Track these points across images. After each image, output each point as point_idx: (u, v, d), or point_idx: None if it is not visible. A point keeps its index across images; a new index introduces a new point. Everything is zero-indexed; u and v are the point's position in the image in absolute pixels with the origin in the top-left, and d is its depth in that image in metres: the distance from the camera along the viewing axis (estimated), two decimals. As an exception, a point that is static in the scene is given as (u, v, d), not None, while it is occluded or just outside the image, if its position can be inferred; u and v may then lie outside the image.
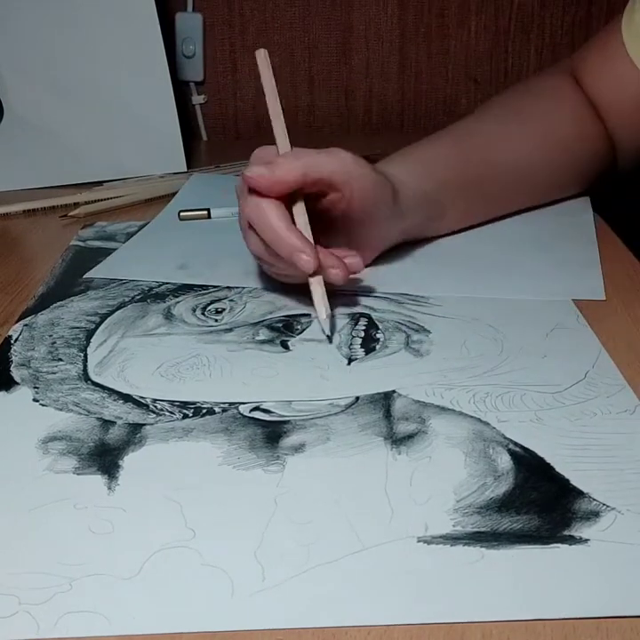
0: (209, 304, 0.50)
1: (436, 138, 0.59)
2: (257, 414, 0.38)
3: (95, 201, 0.73)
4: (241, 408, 0.38)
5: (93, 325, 0.47)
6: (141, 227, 0.66)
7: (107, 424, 0.37)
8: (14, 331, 0.47)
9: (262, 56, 0.48)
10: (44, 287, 0.54)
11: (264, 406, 0.38)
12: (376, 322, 0.47)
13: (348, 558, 0.28)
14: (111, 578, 0.28)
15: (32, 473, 0.34)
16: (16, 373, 0.42)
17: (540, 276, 0.52)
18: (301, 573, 0.28)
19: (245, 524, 0.30)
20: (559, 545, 0.29)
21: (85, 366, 0.43)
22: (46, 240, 0.66)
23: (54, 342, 0.46)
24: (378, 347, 0.44)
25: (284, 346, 0.44)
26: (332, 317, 0.46)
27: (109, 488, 0.32)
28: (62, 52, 0.78)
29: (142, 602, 0.27)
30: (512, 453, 0.34)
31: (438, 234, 0.59)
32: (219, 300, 0.50)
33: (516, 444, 0.35)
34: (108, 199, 0.73)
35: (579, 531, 0.29)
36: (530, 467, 0.33)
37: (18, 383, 0.41)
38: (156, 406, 0.39)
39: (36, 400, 0.39)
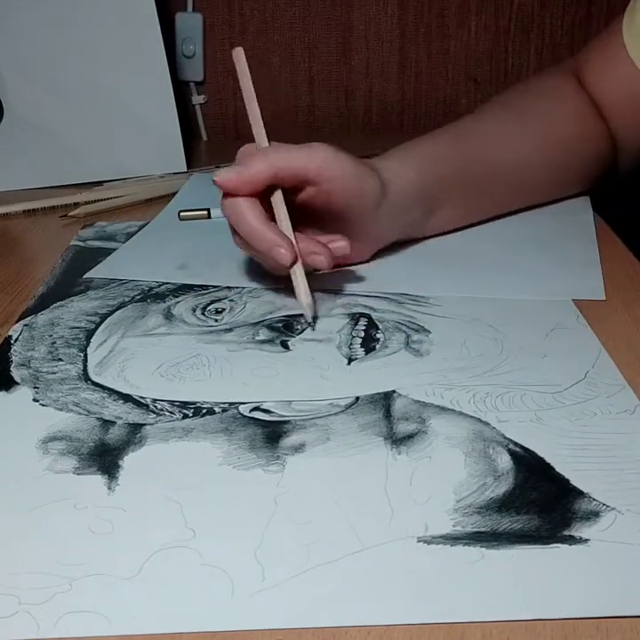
0: (209, 304, 0.50)
1: (436, 135, 0.59)
2: (257, 414, 0.38)
3: (95, 201, 0.73)
4: (241, 408, 0.38)
5: (93, 325, 0.47)
6: (141, 227, 0.66)
7: (107, 424, 0.37)
8: (14, 331, 0.47)
9: (239, 54, 0.50)
10: (43, 287, 0.54)
11: (264, 406, 0.38)
12: (376, 322, 0.47)
13: (348, 558, 0.28)
14: (111, 578, 0.28)
15: (32, 473, 0.34)
16: (16, 373, 0.42)
17: (540, 275, 0.52)
18: (301, 573, 0.28)
19: (245, 523, 0.30)
20: (559, 545, 0.29)
21: (85, 366, 0.43)
22: (46, 240, 0.66)
23: (54, 342, 0.46)
24: (378, 346, 0.44)
25: (284, 346, 0.44)
26: (315, 304, 0.47)
27: (109, 488, 0.32)
28: (62, 52, 0.78)
29: (142, 602, 0.27)
30: (512, 453, 0.34)
31: (436, 231, 0.59)
32: (219, 300, 0.50)
33: (516, 443, 0.35)
34: (107, 199, 0.73)
35: (579, 531, 0.29)
36: (530, 467, 0.33)
37: (18, 383, 0.41)
38: (155, 406, 0.39)
39: (36, 400, 0.39)
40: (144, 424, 0.37)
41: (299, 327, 0.46)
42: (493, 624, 0.26)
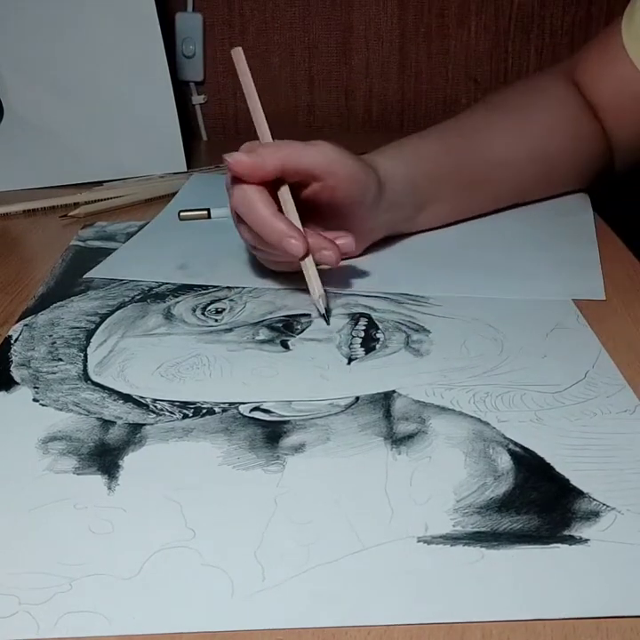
0: (209, 304, 0.50)
1: (427, 133, 0.60)
2: (257, 414, 0.38)
3: (95, 201, 0.73)
4: (241, 408, 0.38)
5: (93, 325, 0.47)
6: (141, 227, 0.66)
7: (107, 424, 0.37)
8: (14, 331, 0.47)
9: (238, 54, 0.50)
10: (44, 287, 0.54)
11: (264, 406, 0.38)
12: (376, 322, 0.47)
13: (348, 558, 0.28)
14: (111, 578, 0.28)
15: (32, 473, 0.34)
16: (16, 373, 0.42)
17: (540, 275, 0.52)
18: (301, 573, 0.28)
19: (245, 523, 0.30)
20: (559, 545, 0.29)
21: (85, 366, 0.43)
22: (46, 240, 0.66)
23: (54, 342, 0.46)
24: (378, 346, 0.44)
25: (284, 346, 0.44)
26: (327, 297, 0.47)
27: (109, 488, 0.32)
28: (62, 52, 0.78)
29: (142, 602, 0.27)
30: (512, 453, 0.34)
31: (426, 227, 0.60)
32: (219, 300, 0.50)
33: (516, 443, 0.35)
34: (108, 199, 0.73)
35: (579, 531, 0.29)
36: (530, 467, 0.33)
37: (18, 383, 0.41)
38: (155, 406, 0.39)
39: (36, 400, 0.39)
40: (144, 424, 0.37)
41: (299, 327, 0.46)
42: (493, 624, 0.26)
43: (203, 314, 0.48)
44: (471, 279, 0.52)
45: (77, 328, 0.47)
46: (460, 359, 0.42)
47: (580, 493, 0.31)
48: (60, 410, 0.38)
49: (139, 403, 0.39)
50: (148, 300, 0.51)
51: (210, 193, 0.73)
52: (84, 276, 0.55)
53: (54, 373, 0.42)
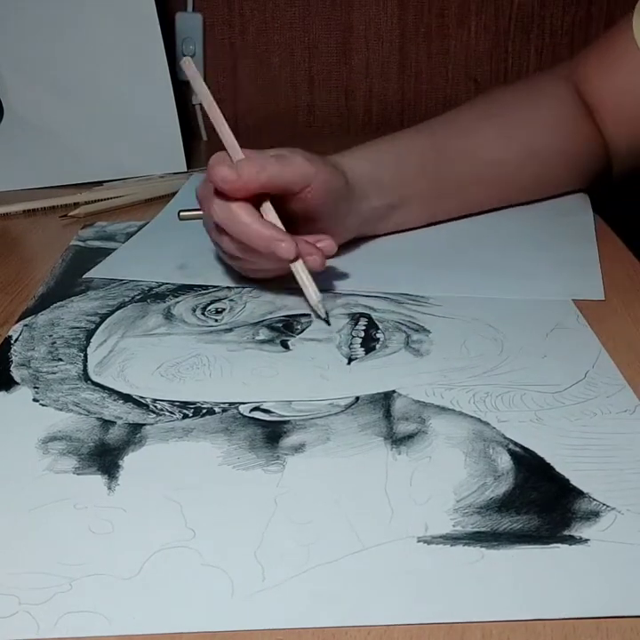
0: (209, 304, 0.50)
1: (409, 131, 0.60)
2: (257, 414, 0.38)
3: (95, 201, 0.73)
4: (241, 408, 0.38)
5: (93, 325, 0.47)
6: (141, 227, 0.66)
7: (107, 424, 0.37)
8: (14, 331, 0.47)
9: (187, 64, 0.50)
10: (44, 287, 0.54)
11: (264, 406, 0.38)
12: (376, 322, 0.47)
13: (348, 558, 0.28)
14: (111, 578, 0.28)
15: (32, 473, 0.34)
16: (16, 373, 0.42)
17: (540, 276, 0.52)
18: (301, 573, 0.28)
19: (245, 523, 0.30)
20: (559, 545, 0.29)
21: (85, 366, 0.43)
22: (46, 240, 0.66)
23: (54, 342, 0.46)
24: (378, 346, 0.44)
25: (284, 346, 0.44)
26: (323, 299, 0.47)
27: (109, 488, 0.32)
28: (62, 52, 0.78)
29: (142, 602, 0.27)
30: (512, 453, 0.34)
31: (403, 227, 0.60)
32: (219, 300, 0.50)
33: (516, 443, 0.35)
34: (108, 199, 0.73)
35: (579, 531, 0.29)
36: (530, 467, 0.33)
37: (18, 383, 0.41)
38: (155, 406, 0.39)
39: (36, 400, 0.39)
40: (144, 424, 0.37)
41: (299, 327, 0.46)
42: (493, 624, 0.26)
43: (203, 314, 0.48)
44: (471, 279, 0.52)
45: (77, 328, 0.47)
46: (460, 359, 0.42)
47: (579, 493, 0.31)
48: (60, 410, 0.38)
49: (139, 403, 0.39)
50: (148, 300, 0.51)
51: (210, 193, 0.73)
52: (84, 276, 0.55)
53: (54, 373, 0.42)
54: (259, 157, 0.48)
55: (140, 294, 0.52)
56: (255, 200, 0.47)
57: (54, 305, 0.51)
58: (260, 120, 1.03)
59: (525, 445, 0.35)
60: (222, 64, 1.02)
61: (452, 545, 0.29)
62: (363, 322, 0.47)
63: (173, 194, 0.74)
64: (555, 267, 0.54)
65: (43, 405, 0.39)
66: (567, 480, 0.32)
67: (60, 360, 0.43)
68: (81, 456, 0.35)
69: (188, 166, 0.84)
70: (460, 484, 0.32)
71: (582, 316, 0.46)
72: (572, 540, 0.29)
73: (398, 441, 0.35)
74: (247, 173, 0.46)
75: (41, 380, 0.41)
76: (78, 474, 0.33)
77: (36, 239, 0.67)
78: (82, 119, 0.80)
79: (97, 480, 0.33)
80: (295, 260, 0.46)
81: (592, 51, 0.66)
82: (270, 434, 0.36)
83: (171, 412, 0.38)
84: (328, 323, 0.46)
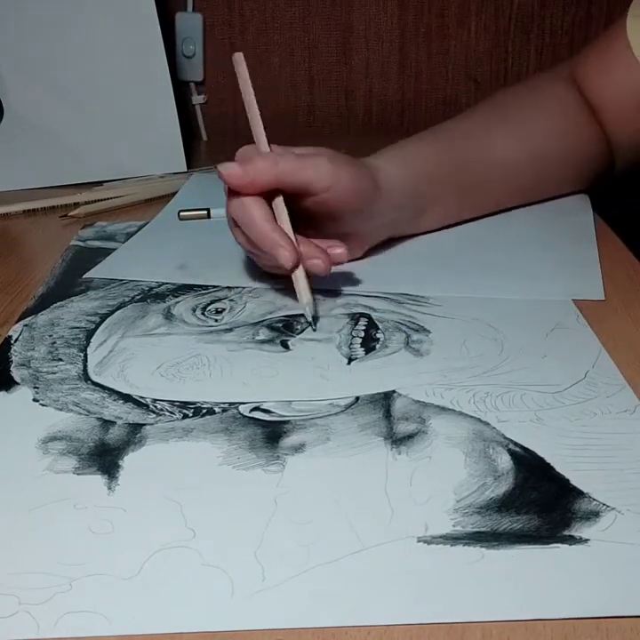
0: (209, 304, 0.50)
1: (428, 134, 0.60)
2: (257, 414, 0.38)
3: (95, 201, 0.73)
4: (241, 408, 0.38)
5: (93, 325, 0.47)
6: (141, 227, 0.66)
7: (107, 424, 0.37)
8: (14, 331, 0.47)
9: (238, 59, 0.50)
10: (44, 287, 0.54)
11: (264, 406, 0.38)
12: (376, 322, 0.47)
13: (348, 558, 0.28)
14: (111, 578, 0.28)
15: (32, 473, 0.34)
16: (16, 373, 0.42)
17: (540, 276, 0.52)
18: (301, 573, 0.28)
19: (245, 523, 0.30)
20: (559, 545, 0.29)
21: (85, 366, 0.43)
22: (46, 240, 0.66)
23: (54, 342, 0.46)
24: (378, 346, 0.44)
25: (284, 346, 0.44)
26: (315, 304, 0.47)
27: (109, 488, 0.32)
28: (62, 52, 0.78)
29: (142, 602, 0.27)
30: (512, 453, 0.34)
31: (428, 229, 0.60)
32: (219, 300, 0.50)
33: (516, 443, 0.35)
34: (108, 199, 0.73)
35: (579, 531, 0.29)
36: (530, 467, 0.33)
37: (18, 383, 0.41)
38: (155, 406, 0.39)
39: (36, 400, 0.39)
40: (144, 424, 0.37)
41: (299, 327, 0.46)
42: (493, 624, 0.26)
43: (203, 314, 0.48)
44: (471, 279, 0.52)
45: (77, 328, 0.47)
46: (460, 359, 0.42)
47: (579, 493, 0.31)
48: (60, 410, 0.38)
49: (139, 403, 0.39)
50: (148, 300, 0.51)
51: (210, 193, 0.73)
52: (84, 276, 0.55)
53: (54, 373, 0.42)
54: (276, 154, 0.48)
55: (139, 294, 0.52)
56: (269, 196, 0.47)
57: (54, 305, 0.51)
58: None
59: (525, 445, 0.35)
60: (222, 64, 1.02)
61: (451, 545, 0.29)
62: (363, 322, 0.47)
63: (173, 194, 0.74)
64: (555, 267, 0.54)
65: (43, 405, 0.39)
66: (567, 480, 0.32)
67: (60, 360, 0.43)
68: (81, 456, 0.35)
69: (188, 166, 0.84)
70: (460, 483, 0.32)
71: (582, 316, 0.46)
72: (571, 540, 0.29)
73: (398, 441, 0.35)
74: (258, 168, 0.46)
75: (41, 380, 0.41)
76: (78, 474, 0.33)
77: (36, 239, 0.67)
78: (82, 119, 0.80)
79: (97, 480, 0.33)
80: (295, 267, 0.47)
81: (591, 50, 0.66)
82: (270, 434, 0.36)
83: (171, 412, 0.38)
84: (314, 327, 0.46)
